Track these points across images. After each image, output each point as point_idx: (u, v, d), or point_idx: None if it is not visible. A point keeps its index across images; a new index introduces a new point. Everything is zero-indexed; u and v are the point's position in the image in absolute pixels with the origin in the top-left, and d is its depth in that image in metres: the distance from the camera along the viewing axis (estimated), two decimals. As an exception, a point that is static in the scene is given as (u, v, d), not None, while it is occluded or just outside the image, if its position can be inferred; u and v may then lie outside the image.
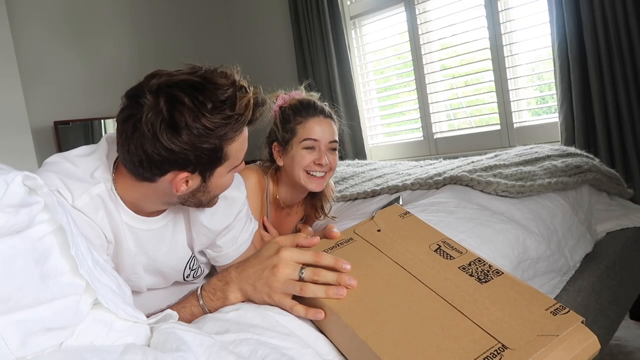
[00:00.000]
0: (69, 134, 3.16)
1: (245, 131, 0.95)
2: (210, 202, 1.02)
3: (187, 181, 0.92)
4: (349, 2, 3.19)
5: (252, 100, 0.91)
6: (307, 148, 1.41)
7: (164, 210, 1.05)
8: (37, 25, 3.17)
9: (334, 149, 1.44)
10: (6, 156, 2.70)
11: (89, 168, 0.96)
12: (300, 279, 0.73)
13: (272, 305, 0.76)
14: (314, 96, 1.50)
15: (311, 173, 1.41)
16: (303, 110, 1.43)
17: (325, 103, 1.49)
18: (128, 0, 3.60)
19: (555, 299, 1.18)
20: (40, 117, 3.09)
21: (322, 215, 1.58)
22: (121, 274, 1.01)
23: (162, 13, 3.75)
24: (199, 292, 0.83)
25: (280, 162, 1.46)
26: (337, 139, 1.45)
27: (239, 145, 0.94)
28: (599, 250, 1.47)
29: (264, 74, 3.51)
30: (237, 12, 3.86)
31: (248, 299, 0.79)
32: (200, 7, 3.94)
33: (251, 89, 0.92)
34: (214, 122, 0.86)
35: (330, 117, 1.45)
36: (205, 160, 0.90)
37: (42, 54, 3.18)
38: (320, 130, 1.41)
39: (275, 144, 1.46)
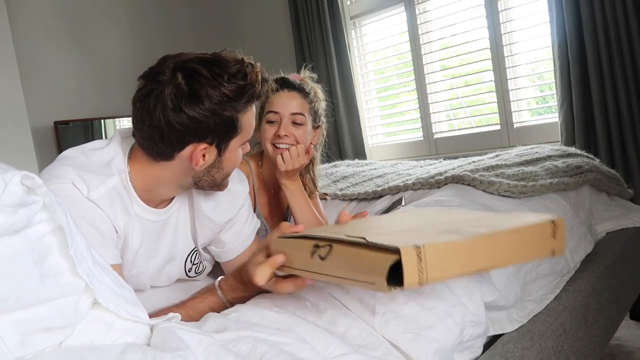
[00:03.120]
0: (69, 134, 3.16)
1: (254, 107, 1.02)
2: (222, 183, 1.06)
3: (204, 155, 0.97)
4: (349, 2, 3.19)
5: (260, 74, 0.97)
6: (269, 122, 1.43)
7: (170, 202, 1.08)
8: (38, 25, 3.17)
9: (299, 123, 1.43)
10: (6, 156, 2.70)
11: (104, 158, 0.99)
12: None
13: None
14: (306, 75, 1.51)
15: (277, 145, 1.42)
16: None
17: (308, 83, 1.48)
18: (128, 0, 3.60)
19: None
20: (40, 117, 3.09)
21: (310, 192, 1.57)
22: (124, 270, 1.01)
23: (162, 13, 3.75)
24: (218, 287, 0.92)
25: (258, 139, 1.49)
26: (302, 113, 1.43)
27: (250, 118, 1.00)
28: (599, 250, 1.47)
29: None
30: (237, 11, 3.86)
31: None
32: (200, 7, 3.94)
33: (258, 64, 0.99)
34: (231, 90, 0.93)
35: (298, 90, 1.44)
36: (224, 130, 0.96)
37: (42, 54, 3.18)
38: (281, 102, 1.42)
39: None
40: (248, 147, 1.08)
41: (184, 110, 0.91)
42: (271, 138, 1.42)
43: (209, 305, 0.90)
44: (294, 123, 1.42)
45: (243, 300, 0.87)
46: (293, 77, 1.50)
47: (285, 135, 1.40)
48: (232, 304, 0.87)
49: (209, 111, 0.92)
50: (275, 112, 1.42)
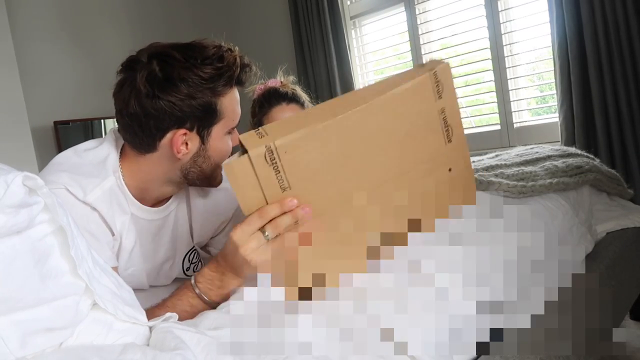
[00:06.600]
0: (69, 134, 3.16)
1: (236, 92, 0.99)
2: (212, 175, 1.01)
3: (186, 143, 0.95)
4: (349, 2, 3.19)
5: (238, 58, 0.96)
6: None
7: (167, 200, 1.07)
8: (37, 25, 3.17)
9: None
10: (6, 156, 2.70)
11: (98, 158, 0.98)
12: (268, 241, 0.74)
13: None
14: (288, 80, 1.49)
15: None
16: (265, 101, 1.43)
17: (295, 88, 1.46)
18: None
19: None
20: (40, 117, 3.09)
21: None
22: (120, 269, 1.02)
23: (162, 12, 3.75)
24: (193, 282, 0.84)
25: None
26: None
27: (231, 103, 0.97)
28: (599, 250, 1.47)
29: (264, 74, 3.50)
30: (236, 11, 3.86)
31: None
32: (200, 6, 3.94)
33: (236, 48, 0.97)
34: (206, 72, 0.91)
35: (294, 100, 1.43)
36: (201, 114, 0.93)
37: (42, 54, 3.18)
38: (283, 117, 1.39)
39: None
40: (237, 136, 1.04)
41: (158, 95, 0.90)
42: None
43: (187, 302, 0.84)
44: None
45: (220, 295, 0.82)
46: (273, 83, 1.47)
47: None
48: (210, 298, 0.82)
49: (183, 94, 0.90)
50: None
